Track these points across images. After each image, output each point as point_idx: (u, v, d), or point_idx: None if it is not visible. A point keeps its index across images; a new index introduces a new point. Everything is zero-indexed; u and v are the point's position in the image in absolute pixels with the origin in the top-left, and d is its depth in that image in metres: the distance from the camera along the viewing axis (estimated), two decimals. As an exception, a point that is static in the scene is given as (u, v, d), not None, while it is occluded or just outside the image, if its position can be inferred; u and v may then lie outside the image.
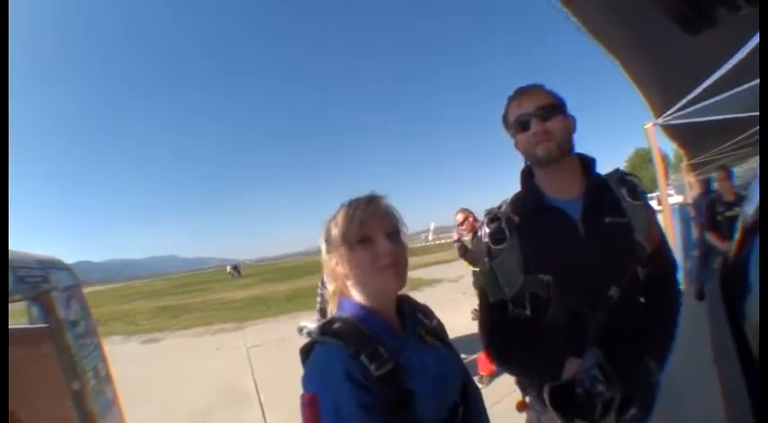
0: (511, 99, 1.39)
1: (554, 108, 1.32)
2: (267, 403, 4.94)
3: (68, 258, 1.95)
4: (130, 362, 7.58)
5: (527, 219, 1.40)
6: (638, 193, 1.38)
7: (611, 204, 1.36)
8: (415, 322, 1.20)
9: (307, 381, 0.97)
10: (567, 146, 1.33)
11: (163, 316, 15.80)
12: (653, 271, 1.37)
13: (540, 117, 1.30)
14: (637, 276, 1.35)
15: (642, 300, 1.42)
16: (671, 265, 1.47)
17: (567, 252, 1.33)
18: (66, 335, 1.67)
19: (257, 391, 5.45)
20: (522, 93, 1.36)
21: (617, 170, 1.47)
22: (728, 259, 1.80)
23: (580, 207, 1.34)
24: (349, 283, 1.11)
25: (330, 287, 1.18)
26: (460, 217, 4.88)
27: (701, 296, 6.16)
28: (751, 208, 1.73)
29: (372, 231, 1.07)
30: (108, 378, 1.98)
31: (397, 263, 1.08)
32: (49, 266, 1.72)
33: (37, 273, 1.61)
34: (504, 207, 1.48)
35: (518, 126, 1.36)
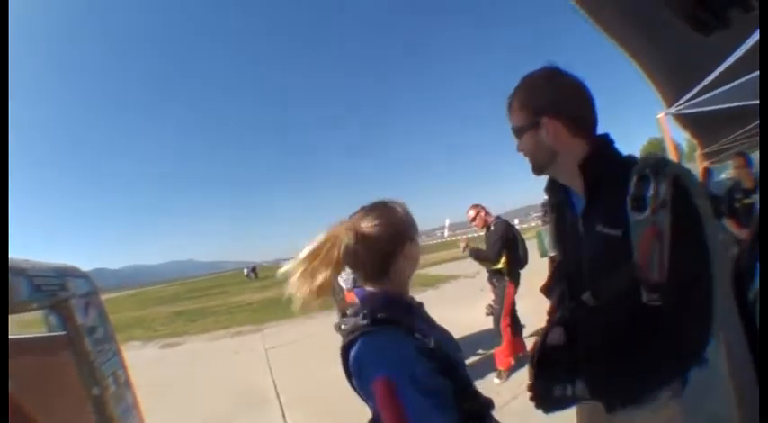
0: None
1: (521, 130, 1.33)
2: (287, 405, 4.97)
3: (85, 266, 1.97)
4: (150, 367, 7.68)
5: (554, 204, 1.52)
6: (644, 206, 1.05)
7: (609, 208, 1.17)
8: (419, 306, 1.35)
9: (374, 367, 1.03)
10: (541, 161, 1.34)
11: (180, 320, 15.93)
12: (669, 306, 1.07)
13: (516, 136, 1.37)
14: (631, 298, 1.11)
15: (638, 328, 1.17)
16: (690, 311, 1.09)
17: (565, 242, 1.43)
18: (85, 341, 1.69)
19: (277, 392, 5.48)
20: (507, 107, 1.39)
21: (647, 159, 1.13)
22: (742, 253, 1.77)
23: (582, 206, 1.30)
24: (398, 272, 1.22)
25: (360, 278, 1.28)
26: (472, 213, 4.89)
27: None
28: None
29: (417, 230, 1.28)
30: (128, 383, 1.99)
31: None
32: (66, 274, 1.73)
33: (54, 281, 1.63)
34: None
35: None
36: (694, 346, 1.08)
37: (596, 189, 1.24)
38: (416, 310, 1.28)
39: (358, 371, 1.08)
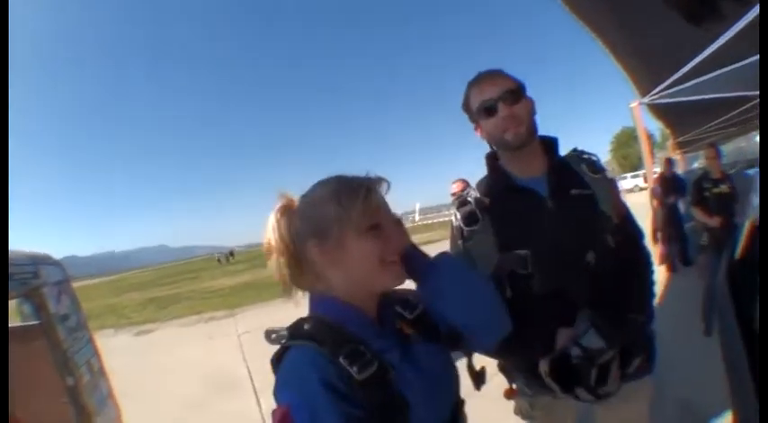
0: (471, 84, 1.39)
1: (519, 92, 1.32)
2: (261, 390, 4.94)
3: (54, 254, 1.93)
4: (123, 355, 7.58)
5: (497, 200, 1.42)
6: (598, 168, 1.45)
7: (574, 178, 1.41)
8: (394, 315, 1.04)
9: (278, 391, 0.83)
10: (534, 130, 1.36)
11: (153, 307, 15.78)
12: (622, 239, 1.42)
13: (508, 101, 1.30)
14: (608, 244, 1.39)
15: (616, 266, 1.43)
16: (637, 232, 1.54)
17: (539, 226, 1.35)
18: (58, 330, 1.66)
19: (251, 377, 5.48)
20: (485, 78, 1.36)
21: (574, 150, 1.53)
22: (735, 254, 1.81)
23: (546, 183, 1.38)
24: (337, 274, 0.94)
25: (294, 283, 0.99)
26: (456, 187, 4.27)
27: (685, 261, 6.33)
28: (756, 199, 1.75)
29: (386, 219, 0.95)
30: (102, 372, 1.97)
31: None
32: (39, 262, 1.70)
33: (27, 269, 1.59)
34: (471, 192, 1.51)
35: (483, 112, 1.35)
36: (647, 254, 1.51)
37: (562, 164, 1.44)
38: (366, 322, 0.96)
39: (274, 389, 0.86)
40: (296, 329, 0.90)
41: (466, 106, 1.43)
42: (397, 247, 0.95)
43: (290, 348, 0.87)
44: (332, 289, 0.95)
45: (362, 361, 0.81)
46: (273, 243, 0.96)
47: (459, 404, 1.03)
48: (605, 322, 1.22)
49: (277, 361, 0.89)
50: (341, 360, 0.80)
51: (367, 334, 0.91)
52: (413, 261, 1.02)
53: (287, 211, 0.98)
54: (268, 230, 0.97)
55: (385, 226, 0.93)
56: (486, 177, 1.51)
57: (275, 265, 0.97)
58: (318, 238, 0.92)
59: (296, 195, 1.01)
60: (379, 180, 0.97)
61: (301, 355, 0.85)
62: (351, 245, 0.90)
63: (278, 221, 0.96)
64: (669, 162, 6.85)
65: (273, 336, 0.92)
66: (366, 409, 0.78)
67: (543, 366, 1.24)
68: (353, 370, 0.79)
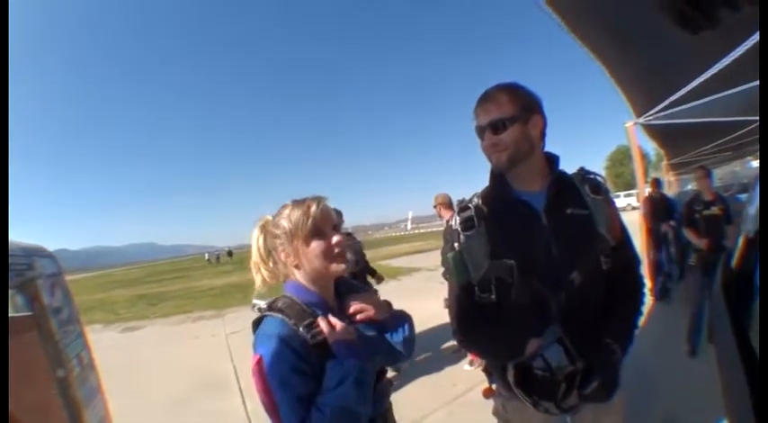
0: (476, 104, 1.44)
1: (508, 120, 1.35)
2: (247, 389, 4.94)
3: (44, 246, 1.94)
4: (110, 350, 7.54)
5: (494, 209, 1.50)
6: (601, 189, 1.49)
7: (573, 198, 1.46)
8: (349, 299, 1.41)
9: (255, 345, 1.18)
10: (521, 154, 1.39)
11: (141, 304, 15.72)
12: (616, 262, 1.45)
13: (492, 130, 1.38)
14: (600, 266, 1.42)
15: (604, 289, 1.47)
16: (633, 258, 1.55)
17: (529, 239, 1.41)
18: (51, 322, 1.67)
19: (237, 377, 5.48)
20: (480, 103, 1.42)
21: (581, 169, 1.57)
22: (731, 265, 1.83)
23: (544, 199, 1.43)
24: (298, 269, 1.31)
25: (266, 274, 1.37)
26: (440, 199, 4.75)
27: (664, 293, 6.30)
28: (752, 210, 1.77)
29: (324, 226, 1.29)
30: (92, 365, 1.97)
31: (345, 251, 1.34)
32: (33, 254, 1.70)
33: (22, 261, 1.60)
34: (474, 199, 1.58)
35: (477, 134, 1.45)
36: (641, 282, 1.54)
37: (561, 182, 1.47)
38: (322, 301, 1.31)
39: (253, 343, 1.21)
40: (272, 304, 1.27)
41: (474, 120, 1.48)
42: (337, 243, 1.30)
43: (266, 317, 1.24)
44: (298, 279, 1.32)
45: (316, 330, 1.19)
46: (256, 255, 1.37)
47: (382, 371, 1.41)
48: (572, 339, 1.26)
49: (255, 325, 1.26)
50: (300, 329, 1.18)
51: (322, 310, 1.27)
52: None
53: (263, 228, 1.37)
54: (252, 241, 1.38)
55: (325, 231, 1.29)
56: (487, 187, 1.57)
57: (258, 271, 1.37)
58: (283, 246, 1.30)
59: (272, 213, 1.38)
60: (319, 198, 1.32)
61: (272, 323, 1.20)
62: (302, 249, 1.28)
63: (258, 237, 1.37)
64: (656, 183, 6.74)
65: (256, 307, 1.33)
66: (315, 365, 1.15)
67: (510, 374, 1.29)
68: (308, 336, 1.17)
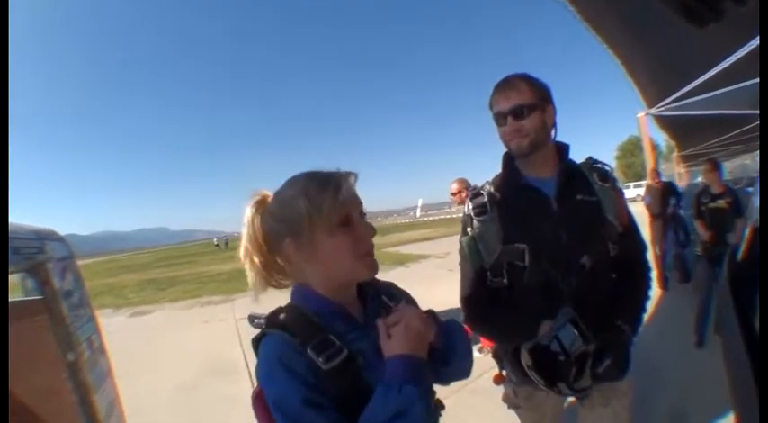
0: (494, 91, 1.46)
1: (529, 108, 1.39)
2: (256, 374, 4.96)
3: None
4: (120, 335, 7.61)
5: (506, 195, 1.53)
6: (608, 177, 1.52)
7: (582, 185, 1.49)
8: (379, 306, 1.08)
9: (257, 374, 0.90)
10: (540, 141, 1.43)
11: (150, 289, 15.90)
12: (623, 248, 1.49)
13: (515, 116, 1.40)
14: (607, 251, 1.46)
15: (613, 275, 1.52)
16: (640, 244, 1.59)
17: (540, 224, 1.44)
18: (61, 306, 1.68)
19: (246, 362, 5.50)
20: (501, 90, 1.43)
21: (589, 158, 1.60)
22: (737, 257, 1.83)
23: (554, 185, 1.47)
24: (313, 269, 0.98)
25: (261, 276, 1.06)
26: (455, 187, 4.55)
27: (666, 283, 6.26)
28: (757, 202, 1.76)
29: (353, 212, 0.96)
30: (102, 349, 1.99)
31: (373, 249, 1.00)
32: (45, 237, 1.72)
33: (33, 244, 1.61)
34: (486, 185, 1.61)
35: (495, 120, 1.47)
36: (647, 267, 1.57)
37: (571, 169, 1.51)
38: (340, 312, 0.99)
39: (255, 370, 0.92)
40: (272, 317, 0.96)
41: (490, 108, 1.49)
42: (365, 238, 0.97)
43: (266, 335, 0.93)
44: (310, 282, 0.99)
45: (331, 351, 0.87)
46: (251, 241, 1.02)
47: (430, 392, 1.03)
48: (584, 321, 1.26)
49: (255, 344, 0.95)
50: (309, 351, 0.86)
51: (341, 323, 0.96)
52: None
53: (259, 206, 1.03)
54: (244, 223, 1.03)
55: (354, 219, 0.96)
56: (500, 174, 1.60)
57: (250, 267, 1.05)
58: (292, 235, 0.95)
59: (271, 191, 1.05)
60: (348, 174, 0.98)
61: (273, 344, 0.90)
62: (323, 241, 0.93)
63: (252, 219, 1.02)
64: (656, 174, 6.50)
65: (255, 321, 1.00)
66: (331, 396, 0.83)
67: (525, 357, 1.30)
68: (320, 360, 0.85)
